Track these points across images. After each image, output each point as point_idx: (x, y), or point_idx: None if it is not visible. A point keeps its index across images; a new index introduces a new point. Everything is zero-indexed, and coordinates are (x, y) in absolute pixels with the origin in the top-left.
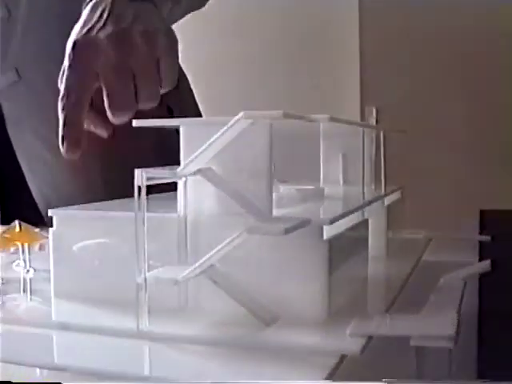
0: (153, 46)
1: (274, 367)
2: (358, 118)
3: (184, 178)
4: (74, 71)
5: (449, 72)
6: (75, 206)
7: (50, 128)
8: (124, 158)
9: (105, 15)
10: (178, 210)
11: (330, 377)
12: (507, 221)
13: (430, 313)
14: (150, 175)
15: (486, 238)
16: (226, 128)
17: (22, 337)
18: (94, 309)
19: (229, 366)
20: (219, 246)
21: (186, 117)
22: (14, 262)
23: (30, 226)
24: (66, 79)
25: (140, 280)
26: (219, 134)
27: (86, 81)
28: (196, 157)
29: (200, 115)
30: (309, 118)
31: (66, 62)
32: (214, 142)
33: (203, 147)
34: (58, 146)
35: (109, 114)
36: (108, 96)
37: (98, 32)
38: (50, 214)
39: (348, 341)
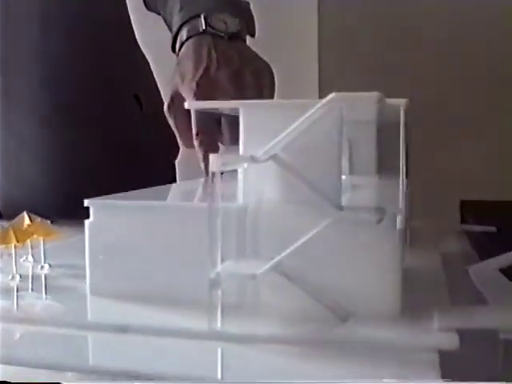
0: (260, 84)
1: (376, 366)
2: None
3: (245, 165)
4: (201, 111)
5: (411, 56)
6: (113, 195)
7: (21, 120)
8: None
9: (214, 56)
10: (238, 198)
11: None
12: (487, 211)
13: (504, 304)
14: (225, 161)
15: (491, 228)
16: (314, 109)
17: (71, 340)
18: (138, 308)
19: (321, 365)
20: (305, 238)
21: (152, 102)
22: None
23: (42, 219)
24: (197, 119)
25: (213, 275)
26: (307, 115)
27: (212, 118)
28: (280, 141)
29: (161, 100)
30: (392, 103)
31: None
32: (299, 124)
33: (288, 130)
34: (26, 138)
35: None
36: (229, 129)
37: (215, 73)
38: (86, 204)
39: (440, 335)
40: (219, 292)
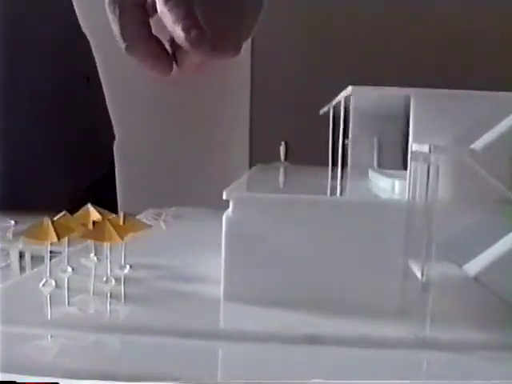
0: None
1: None
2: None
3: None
4: None
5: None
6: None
7: None
8: None
9: None
10: (407, 193)
11: None
12: None
13: None
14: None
15: None
16: None
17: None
18: (296, 316)
19: None
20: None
21: (99, 83)
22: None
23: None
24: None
25: (425, 278)
26: None
27: None
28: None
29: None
30: None
31: None
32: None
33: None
34: None
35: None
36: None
37: None
38: (225, 196)
39: None
40: (429, 296)
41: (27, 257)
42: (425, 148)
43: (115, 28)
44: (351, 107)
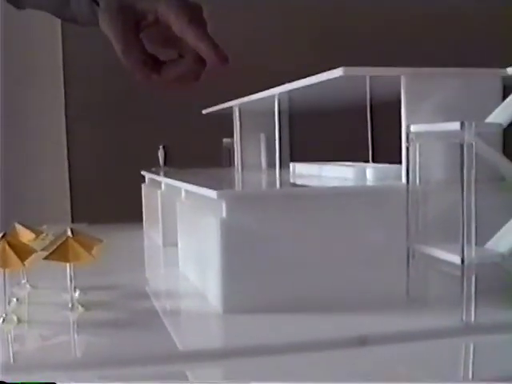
0: None
1: None
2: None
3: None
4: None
5: None
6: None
7: None
8: None
9: None
10: (405, 177)
11: None
12: None
13: None
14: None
15: None
16: None
17: None
18: (317, 319)
19: None
20: None
21: None
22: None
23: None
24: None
25: (467, 260)
26: None
27: None
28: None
29: None
30: None
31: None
32: None
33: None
34: None
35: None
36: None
37: None
38: (217, 196)
39: None
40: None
41: None
42: (428, 127)
43: (118, 46)
44: (236, 106)
